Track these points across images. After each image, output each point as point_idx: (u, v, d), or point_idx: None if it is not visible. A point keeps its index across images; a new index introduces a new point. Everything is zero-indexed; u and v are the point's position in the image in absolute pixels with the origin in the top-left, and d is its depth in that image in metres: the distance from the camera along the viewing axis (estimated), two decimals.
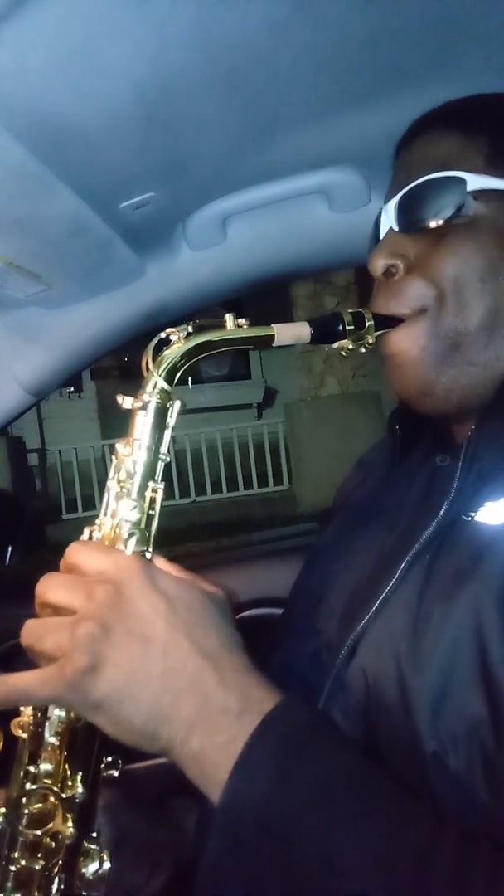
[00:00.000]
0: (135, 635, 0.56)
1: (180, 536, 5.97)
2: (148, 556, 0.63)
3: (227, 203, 1.11)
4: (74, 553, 0.62)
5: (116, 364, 8.75)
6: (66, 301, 1.22)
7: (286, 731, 0.55)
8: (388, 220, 0.75)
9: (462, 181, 0.69)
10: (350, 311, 0.71)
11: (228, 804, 0.53)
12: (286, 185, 1.09)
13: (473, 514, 0.64)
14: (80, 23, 0.61)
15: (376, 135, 0.88)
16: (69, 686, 0.54)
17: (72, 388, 9.58)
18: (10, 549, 1.42)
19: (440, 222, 0.70)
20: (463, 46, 0.79)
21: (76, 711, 0.58)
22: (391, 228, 0.75)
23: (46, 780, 0.57)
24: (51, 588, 0.59)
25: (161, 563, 0.64)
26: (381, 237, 0.76)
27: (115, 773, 0.64)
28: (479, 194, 0.69)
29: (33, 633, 0.57)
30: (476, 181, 0.69)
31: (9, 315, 1.24)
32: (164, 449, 0.66)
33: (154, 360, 0.65)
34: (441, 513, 0.67)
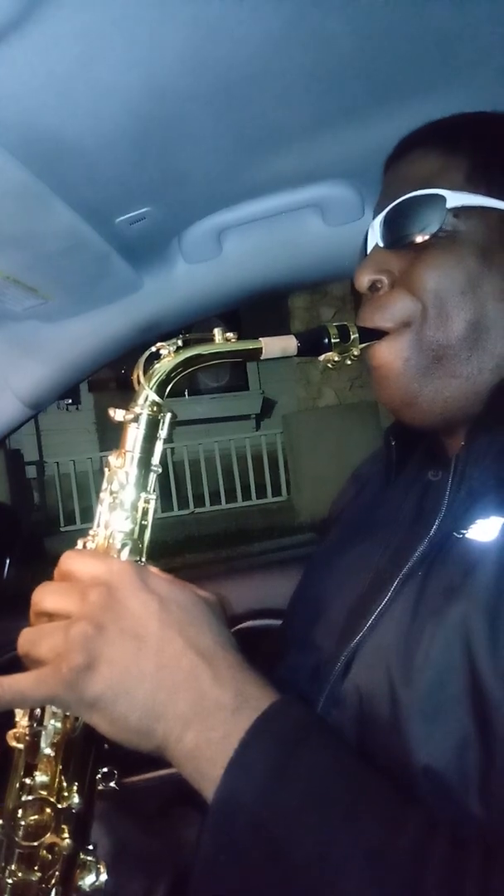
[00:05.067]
0: (128, 633, 0.56)
1: (179, 548, 5.95)
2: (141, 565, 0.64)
3: (222, 217, 1.12)
4: (68, 561, 0.62)
5: (114, 376, 8.75)
6: (63, 314, 1.23)
7: (282, 729, 0.55)
8: (374, 237, 0.77)
9: (442, 198, 0.71)
10: (335, 324, 0.72)
11: (223, 801, 0.53)
12: (280, 199, 1.10)
13: (465, 531, 0.65)
14: (77, 42, 0.62)
15: (369, 149, 0.89)
16: (65, 684, 0.54)
17: (69, 401, 9.59)
18: (8, 561, 1.42)
19: (422, 238, 0.71)
20: (454, 63, 0.81)
21: (72, 711, 0.58)
22: (377, 244, 0.77)
23: (42, 791, 0.57)
24: (46, 596, 0.60)
25: (154, 571, 0.64)
26: (368, 252, 0.78)
27: (113, 785, 0.64)
28: (459, 211, 0.71)
29: (29, 639, 0.58)
30: (455, 198, 0.70)
31: (7, 328, 1.24)
32: (156, 460, 0.67)
33: (145, 373, 0.66)
34: (433, 530, 0.68)
